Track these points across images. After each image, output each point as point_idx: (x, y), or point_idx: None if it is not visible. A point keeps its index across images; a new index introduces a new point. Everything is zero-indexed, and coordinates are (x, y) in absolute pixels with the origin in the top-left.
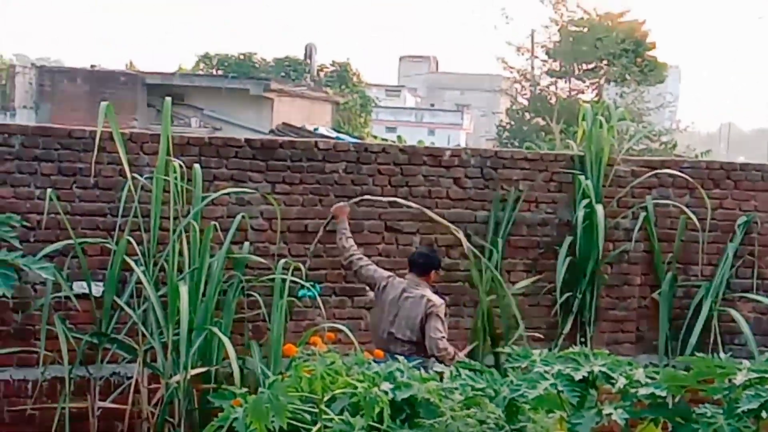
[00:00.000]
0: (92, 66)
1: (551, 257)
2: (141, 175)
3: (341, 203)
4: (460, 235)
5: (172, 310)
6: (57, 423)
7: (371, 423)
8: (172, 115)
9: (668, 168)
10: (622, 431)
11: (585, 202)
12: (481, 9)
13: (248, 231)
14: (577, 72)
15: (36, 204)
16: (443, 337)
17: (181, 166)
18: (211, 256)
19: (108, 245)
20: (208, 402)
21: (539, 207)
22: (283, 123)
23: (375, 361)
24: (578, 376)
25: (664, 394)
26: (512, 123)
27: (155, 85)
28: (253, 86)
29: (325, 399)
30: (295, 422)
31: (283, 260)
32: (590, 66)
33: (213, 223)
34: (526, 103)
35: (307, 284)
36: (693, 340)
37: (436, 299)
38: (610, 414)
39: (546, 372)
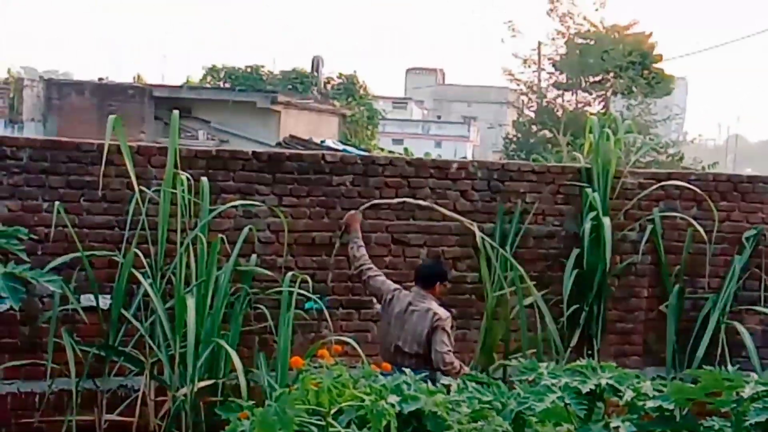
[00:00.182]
0: (100, 79)
1: (558, 270)
2: (148, 188)
3: (353, 212)
4: (474, 228)
5: (179, 322)
6: None
7: None
8: (179, 127)
9: (675, 180)
10: None
11: (592, 214)
12: (480, 9)
13: (255, 243)
14: (583, 84)
15: (44, 217)
16: (449, 350)
17: (188, 179)
18: (219, 268)
19: (115, 258)
20: (215, 415)
21: (546, 219)
22: (290, 135)
23: (382, 374)
24: (585, 389)
25: (671, 407)
26: (519, 135)
27: (163, 98)
28: (260, 99)
29: (333, 412)
30: None
31: (290, 273)
32: (597, 78)
33: (220, 235)
34: (532, 115)
35: (314, 297)
36: (700, 352)
37: (442, 312)
38: (618, 427)
39: (553, 385)
